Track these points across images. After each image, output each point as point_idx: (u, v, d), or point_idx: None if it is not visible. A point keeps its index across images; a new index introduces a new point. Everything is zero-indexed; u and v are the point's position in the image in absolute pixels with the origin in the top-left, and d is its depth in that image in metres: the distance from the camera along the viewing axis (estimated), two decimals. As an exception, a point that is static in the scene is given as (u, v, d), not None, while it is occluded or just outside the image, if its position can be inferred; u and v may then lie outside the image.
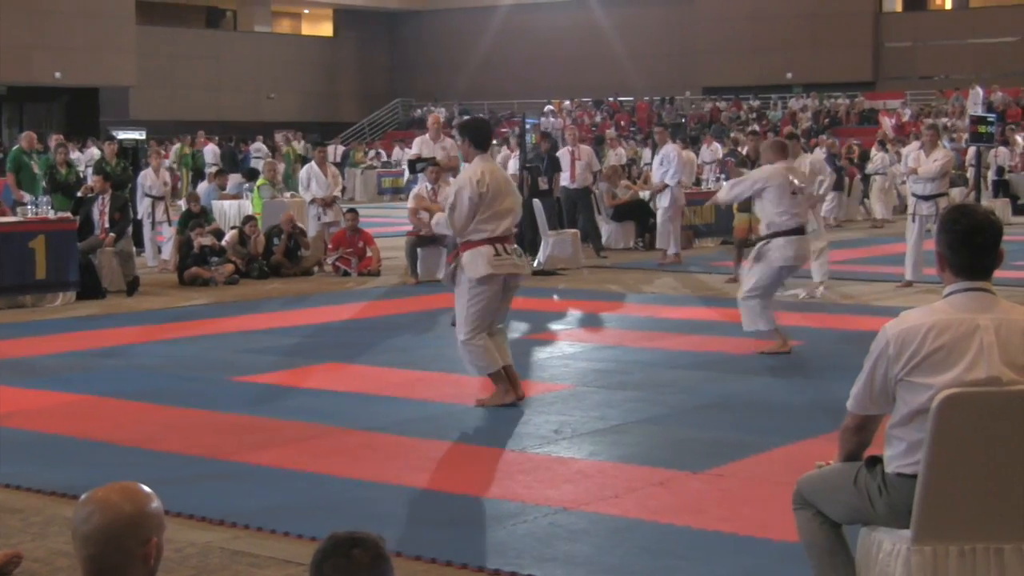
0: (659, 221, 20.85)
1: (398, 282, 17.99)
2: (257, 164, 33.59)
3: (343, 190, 20.04)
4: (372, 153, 45.31)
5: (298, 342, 13.14)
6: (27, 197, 17.95)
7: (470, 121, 10.71)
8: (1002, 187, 30.88)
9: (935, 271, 4.72)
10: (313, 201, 19.69)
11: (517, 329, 14.02)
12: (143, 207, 20.43)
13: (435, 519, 6.86)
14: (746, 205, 17.97)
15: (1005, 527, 4.46)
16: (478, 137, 9.81)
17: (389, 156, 44.73)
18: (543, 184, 20.73)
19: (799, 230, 12.02)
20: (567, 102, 50.33)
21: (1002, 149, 30.64)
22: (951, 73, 47.31)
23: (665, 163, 20.60)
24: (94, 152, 30.94)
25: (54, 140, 23.51)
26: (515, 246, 9.87)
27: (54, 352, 12.44)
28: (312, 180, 19.66)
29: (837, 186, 27.59)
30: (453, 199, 9.60)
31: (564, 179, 21.25)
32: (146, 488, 3.39)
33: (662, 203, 20.59)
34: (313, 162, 20.34)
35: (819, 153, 23.09)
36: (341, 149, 43.91)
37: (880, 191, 29.20)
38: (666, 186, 20.48)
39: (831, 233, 24.40)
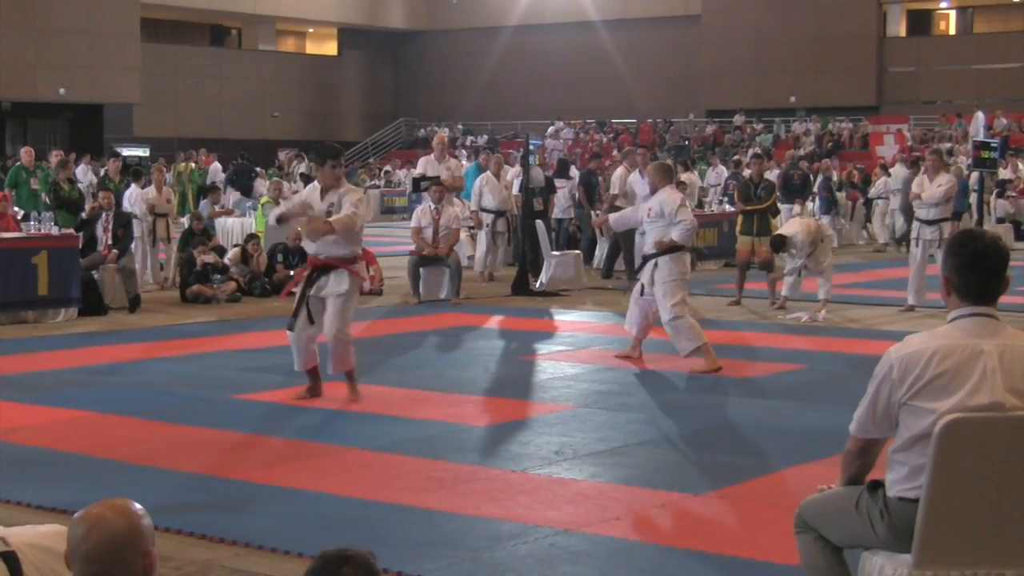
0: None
1: (400, 302, 17.96)
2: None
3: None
4: (382, 171, 45.09)
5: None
6: (20, 214, 17.97)
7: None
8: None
9: (939, 296, 4.72)
10: None
11: (519, 350, 14.02)
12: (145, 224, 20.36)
13: (435, 539, 6.85)
14: (748, 228, 18.06)
15: (1006, 552, 4.46)
16: None
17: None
18: (538, 205, 20.71)
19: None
20: (572, 123, 50.41)
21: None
22: (954, 98, 47.33)
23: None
24: (85, 169, 30.94)
25: (55, 157, 23.56)
26: None
27: (55, 368, 12.43)
28: None
29: (830, 210, 27.76)
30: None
31: None
32: (136, 504, 3.44)
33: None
34: None
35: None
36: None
37: (882, 215, 29.22)
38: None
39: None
